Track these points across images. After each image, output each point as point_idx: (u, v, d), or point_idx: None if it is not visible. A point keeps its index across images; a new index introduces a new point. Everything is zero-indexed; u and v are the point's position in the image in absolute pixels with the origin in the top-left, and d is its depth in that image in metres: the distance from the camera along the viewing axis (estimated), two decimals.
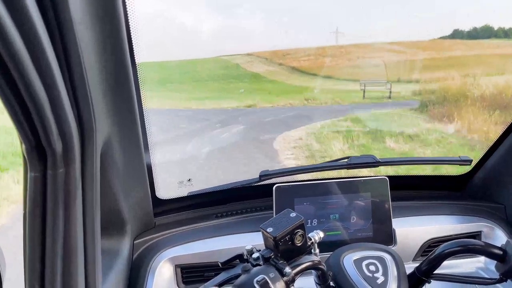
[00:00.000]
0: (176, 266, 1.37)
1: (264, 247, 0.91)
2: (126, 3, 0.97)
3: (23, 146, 0.69)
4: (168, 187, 1.64)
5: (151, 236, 1.43)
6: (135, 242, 1.39)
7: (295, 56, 13.66)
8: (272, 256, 0.87)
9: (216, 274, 1.16)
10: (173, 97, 11.08)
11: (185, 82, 12.48)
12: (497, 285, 1.17)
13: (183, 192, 1.58)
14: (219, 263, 0.91)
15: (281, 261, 0.86)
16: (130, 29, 1.01)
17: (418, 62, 12.15)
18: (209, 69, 13.18)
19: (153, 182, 1.40)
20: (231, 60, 13.70)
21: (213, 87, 12.09)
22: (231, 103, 10.34)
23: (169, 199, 1.55)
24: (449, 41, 13.03)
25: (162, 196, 1.50)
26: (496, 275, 1.15)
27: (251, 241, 1.38)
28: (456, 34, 12.77)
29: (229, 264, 0.91)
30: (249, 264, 0.87)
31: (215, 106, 10.20)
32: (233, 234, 1.46)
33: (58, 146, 0.70)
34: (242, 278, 0.84)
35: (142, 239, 1.41)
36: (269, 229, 0.87)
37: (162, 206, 1.55)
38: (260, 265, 0.87)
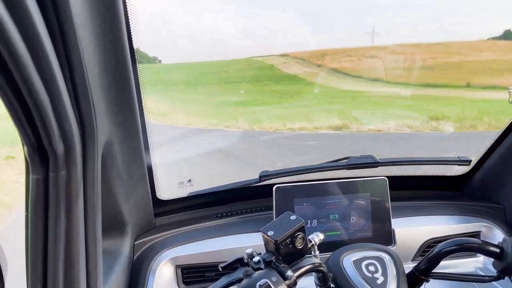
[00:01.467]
0: (177, 267, 1.38)
1: (264, 250, 0.92)
2: (127, 5, 0.97)
3: (25, 148, 0.70)
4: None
5: (151, 237, 1.44)
6: (135, 242, 1.40)
7: (334, 57, 12.93)
8: (274, 260, 0.87)
9: (217, 275, 1.16)
10: (201, 102, 10.54)
11: (216, 83, 11.93)
12: (494, 282, 1.18)
13: (183, 192, 1.58)
14: (219, 267, 0.92)
15: (282, 265, 0.86)
16: (131, 30, 1.02)
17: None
18: (241, 70, 12.60)
19: (153, 183, 1.41)
20: (265, 61, 13.08)
21: (247, 89, 11.42)
22: (275, 113, 9.26)
23: (170, 199, 1.55)
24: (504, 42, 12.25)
25: (162, 196, 1.50)
26: (494, 273, 1.16)
27: (251, 241, 1.39)
28: (508, 35, 12.14)
29: (229, 268, 0.91)
30: (250, 268, 0.87)
31: (259, 122, 8.54)
32: (234, 234, 1.46)
33: (59, 148, 0.70)
34: (244, 282, 0.84)
35: (143, 240, 1.42)
36: (270, 233, 0.87)
37: (163, 207, 1.55)
38: (261, 268, 0.87)
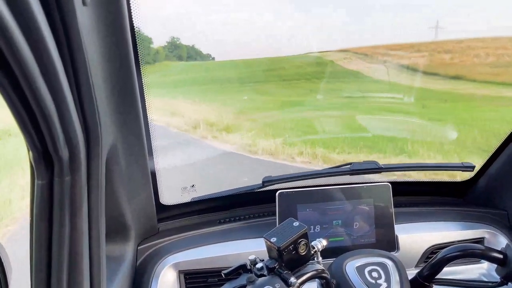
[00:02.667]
0: (180, 272, 1.38)
1: (266, 256, 0.92)
2: (132, 12, 0.98)
3: (31, 154, 0.70)
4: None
5: (154, 242, 1.44)
6: (139, 247, 1.40)
7: (401, 52, 11.60)
8: (277, 266, 0.87)
9: (220, 281, 1.16)
10: (256, 100, 9.78)
11: (271, 80, 11.10)
12: None
13: (186, 198, 1.58)
14: (222, 274, 0.92)
15: (285, 271, 0.86)
16: (136, 37, 1.03)
17: None
18: (298, 66, 11.51)
19: (157, 188, 1.41)
20: (323, 57, 11.79)
21: (306, 87, 10.31)
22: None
23: (173, 204, 1.55)
24: None
25: (165, 202, 1.51)
26: (498, 280, 1.16)
27: (254, 247, 1.39)
28: None
29: (232, 274, 0.92)
30: (253, 275, 0.87)
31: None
32: (237, 240, 1.46)
33: (64, 154, 0.71)
34: None
35: (146, 245, 1.42)
36: (273, 239, 0.87)
37: (166, 212, 1.55)
38: (264, 275, 0.87)
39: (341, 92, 9.90)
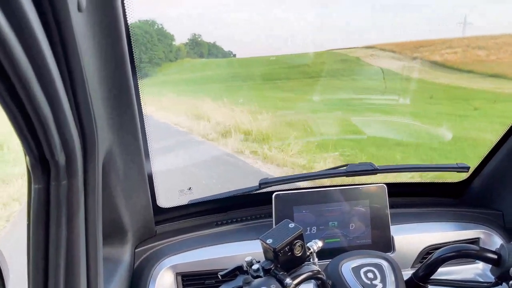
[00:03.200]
0: (177, 274, 1.38)
1: (263, 257, 0.92)
2: (127, 15, 0.98)
3: (27, 158, 0.71)
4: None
5: (152, 244, 1.45)
6: (136, 250, 1.40)
7: (431, 48, 10.93)
8: (273, 268, 0.88)
9: (217, 282, 1.17)
10: (286, 100, 9.06)
11: (295, 78, 10.44)
12: None
13: (183, 200, 1.59)
14: (219, 276, 0.92)
15: (281, 272, 0.87)
16: (131, 40, 1.03)
17: None
18: (323, 63, 10.84)
19: (154, 190, 1.42)
20: (348, 53, 11.24)
21: (334, 85, 9.56)
22: None
23: (170, 207, 1.56)
24: None
25: (163, 204, 1.51)
26: (492, 280, 1.17)
27: (251, 248, 1.39)
28: None
29: (229, 276, 0.92)
30: (249, 276, 0.88)
31: None
32: (233, 242, 1.47)
33: (61, 158, 0.71)
34: None
35: (143, 247, 1.42)
36: (269, 241, 0.88)
37: (163, 215, 1.56)
38: (260, 276, 0.88)
39: (373, 91, 9.27)
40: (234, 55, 11.44)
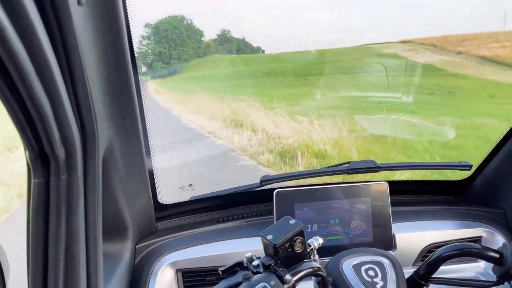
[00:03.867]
0: (178, 271, 1.38)
1: (263, 254, 0.92)
2: (128, 11, 0.98)
3: (27, 153, 0.71)
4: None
5: (152, 241, 1.45)
6: (137, 246, 1.40)
7: (476, 42, 10.13)
8: (272, 264, 0.88)
9: (217, 279, 1.17)
10: (323, 98, 8.17)
11: (329, 73, 9.49)
12: (494, 287, 1.18)
13: (184, 197, 1.59)
14: (219, 271, 0.92)
15: (281, 269, 0.87)
16: (132, 37, 1.03)
17: None
18: (357, 58, 10.20)
19: (155, 187, 1.42)
20: (383, 49, 10.54)
21: (373, 81, 8.65)
22: None
23: (171, 204, 1.56)
24: None
25: (163, 201, 1.51)
26: (494, 279, 1.16)
27: (252, 245, 1.39)
28: None
29: (229, 271, 0.92)
30: (249, 272, 0.88)
31: None
32: (234, 239, 1.46)
33: (61, 153, 0.71)
34: (243, 286, 0.85)
35: (144, 244, 1.43)
36: (269, 237, 0.88)
37: (164, 211, 1.56)
38: (260, 272, 0.88)
39: (420, 88, 8.52)
40: (263, 51, 11.27)
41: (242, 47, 11.50)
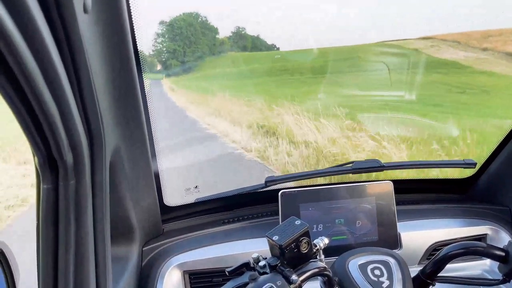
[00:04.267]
0: (185, 272, 1.39)
1: (270, 255, 0.93)
2: (133, 17, 0.99)
3: (36, 159, 0.72)
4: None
5: (159, 243, 1.46)
6: (144, 249, 1.42)
7: (502, 38, 9.41)
8: (279, 264, 0.88)
9: (224, 280, 1.17)
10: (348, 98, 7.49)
11: (346, 71, 9.08)
12: (500, 285, 1.18)
13: (190, 198, 1.60)
14: (226, 272, 0.93)
15: (287, 269, 0.87)
16: (137, 41, 1.04)
17: None
18: (375, 55, 9.52)
19: (161, 189, 1.43)
20: (403, 45, 10.05)
21: (397, 80, 7.77)
22: None
23: (177, 206, 1.57)
24: None
25: (169, 203, 1.52)
26: (500, 277, 1.17)
27: (258, 246, 1.40)
28: None
29: (236, 272, 0.93)
30: (256, 272, 0.89)
31: None
32: (240, 240, 1.47)
33: (69, 158, 0.72)
34: (250, 286, 0.86)
35: (151, 246, 1.44)
36: (275, 237, 0.89)
37: (170, 213, 1.57)
38: (267, 273, 0.88)
39: (449, 86, 8.09)
40: (278, 48, 11.00)
41: (257, 45, 11.38)
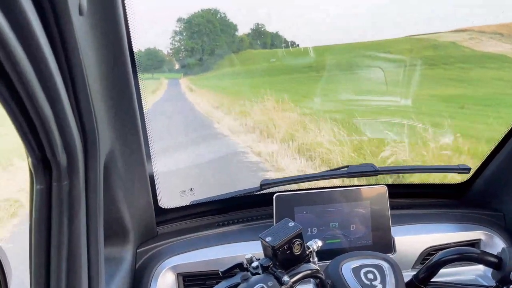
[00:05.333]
0: (178, 274, 1.39)
1: (263, 256, 0.93)
2: (128, 19, 0.99)
3: (29, 160, 0.72)
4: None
5: (153, 245, 1.45)
6: (138, 250, 1.41)
7: None
8: (271, 265, 0.89)
9: (218, 283, 1.17)
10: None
11: (374, 66, 8.21)
12: None
13: (185, 201, 1.60)
14: (220, 272, 0.93)
15: (279, 270, 0.88)
16: (132, 40, 1.04)
17: None
18: (408, 50, 8.95)
19: (155, 191, 1.43)
20: (437, 39, 9.33)
21: (437, 75, 7.38)
22: None
23: (172, 208, 1.57)
24: None
25: (164, 205, 1.52)
26: (493, 282, 1.17)
27: (252, 249, 1.39)
28: None
29: (229, 273, 0.93)
30: (248, 273, 0.89)
31: None
32: (235, 242, 1.47)
33: (62, 159, 0.72)
34: (241, 287, 0.86)
35: (145, 248, 1.43)
36: (268, 239, 0.89)
37: (165, 215, 1.57)
38: (259, 273, 0.89)
39: (504, 82, 7.33)
40: (297, 45, 10.64)
41: (276, 42, 11.26)
